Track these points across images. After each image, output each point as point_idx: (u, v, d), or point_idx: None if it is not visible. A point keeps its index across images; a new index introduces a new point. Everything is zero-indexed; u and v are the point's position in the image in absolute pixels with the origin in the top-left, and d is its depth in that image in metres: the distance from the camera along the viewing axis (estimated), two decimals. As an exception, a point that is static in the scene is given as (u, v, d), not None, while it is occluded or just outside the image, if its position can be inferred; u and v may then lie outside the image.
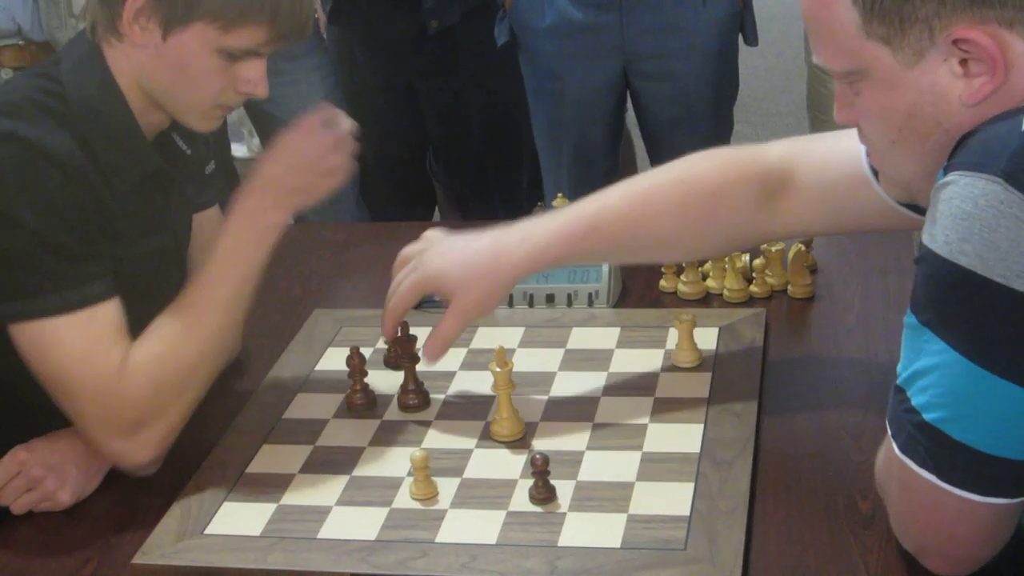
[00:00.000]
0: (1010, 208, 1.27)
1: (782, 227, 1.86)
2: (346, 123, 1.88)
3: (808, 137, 1.87)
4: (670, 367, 1.94)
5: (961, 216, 1.30)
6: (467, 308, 1.85)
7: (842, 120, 1.54)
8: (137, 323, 1.78)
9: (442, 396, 1.94)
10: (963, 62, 1.38)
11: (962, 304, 1.31)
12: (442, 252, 1.89)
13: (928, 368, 1.34)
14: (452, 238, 1.91)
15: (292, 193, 1.84)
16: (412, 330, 2.01)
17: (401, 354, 1.95)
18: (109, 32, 1.81)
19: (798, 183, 1.80)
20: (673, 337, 1.98)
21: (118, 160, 1.81)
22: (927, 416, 1.34)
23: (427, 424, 1.87)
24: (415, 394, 1.93)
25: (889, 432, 1.41)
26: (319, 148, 1.84)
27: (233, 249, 1.81)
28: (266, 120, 3.42)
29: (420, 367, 1.93)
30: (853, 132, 1.58)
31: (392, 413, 1.91)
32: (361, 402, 1.92)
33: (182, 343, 1.77)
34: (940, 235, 1.32)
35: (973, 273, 1.29)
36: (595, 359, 2.00)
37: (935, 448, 1.35)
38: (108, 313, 1.76)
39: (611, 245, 1.86)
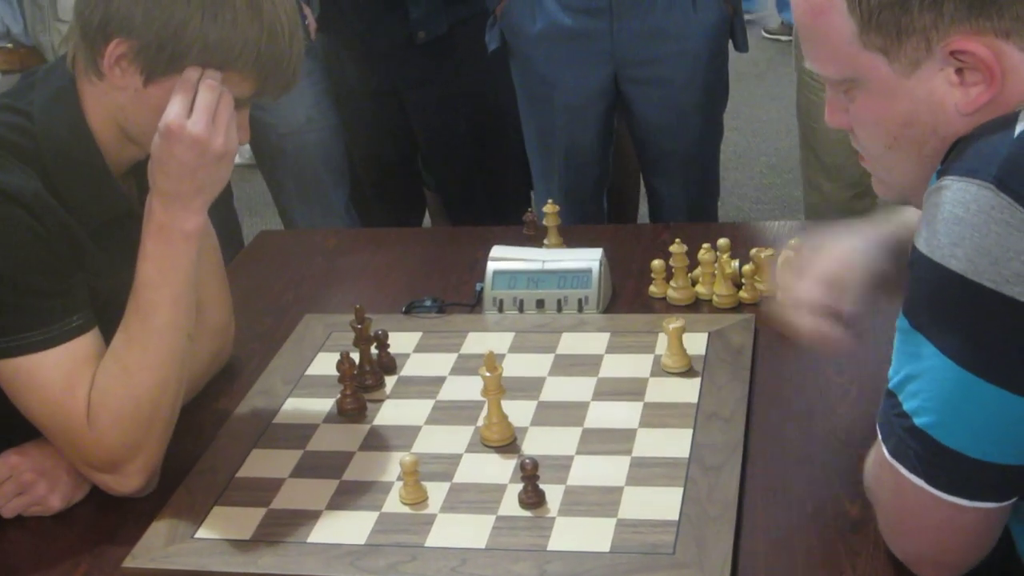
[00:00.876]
0: (1000, 214, 1.28)
1: None
2: (207, 94, 1.72)
3: None
4: (659, 372, 1.95)
5: (953, 221, 1.31)
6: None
7: (833, 124, 1.54)
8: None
9: (431, 400, 1.94)
10: (959, 71, 1.38)
11: (952, 308, 1.32)
12: (842, 254, 1.79)
13: (919, 372, 1.35)
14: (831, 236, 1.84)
15: (194, 195, 1.74)
16: (395, 335, 2.05)
17: (359, 336, 1.99)
18: (89, 69, 1.77)
19: None
20: (662, 342, 1.98)
21: (86, 202, 1.79)
22: (917, 421, 1.35)
23: (417, 429, 1.87)
24: (371, 375, 1.98)
25: (879, 436, 1.41)
26: (195, 148, 1.70)
27: (157, 273, 1.74)
28: (257, 125, 3.42)
29: (408, 370, 1.96)
30: None
31: (382, 418, 1.91)
32: (351, 407, 1.93)
33: (136, 383, 1.73)
34: (932, 239, 1.32)
35: (963, 278, 1.29)
36: (585, 364, 2.00)
37: (924, 453, 1.35)
38: (87, 346, 1.75)
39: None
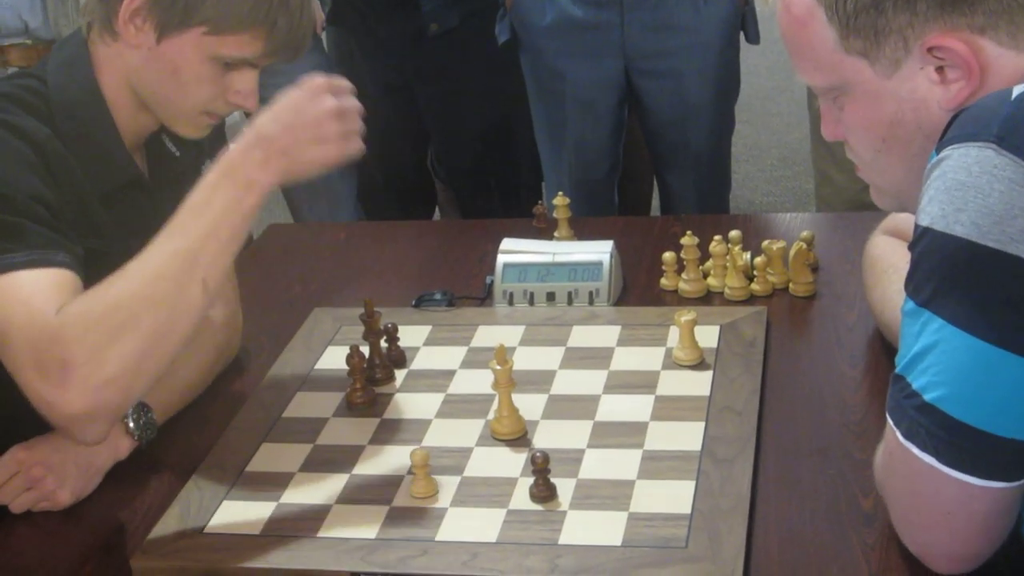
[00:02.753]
0: (1004, 172, 1.29)
1: None
2: (352, 100, 1.72)
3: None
4: (671, 365, 1.94)
5: (956, 187, 1.32)
6: None
7: (830, 136, 1.58)
8: None
9: (442, 394, 1.93)
10: (939, 69, 1.42)
11: (959, 275, 1.32)
12: None
13: (927, 348, 1.35)
14: None
15: (282, 153, 1.66)
16: (405, 328, 2.05)
17: (368, 330, 1.99)
18: (104, 30, 1.81)
19: None
20: (674, 335, 1.97)
21: (95, 165, 1.81)
22: (928, 397, 1.35)
23: (427, 422, 1.87)
24: (380, 368, 1.97)
25: (890, 422, 1.41)
26: (319, 110, 1.67)
27: (203, 200, 1.65)
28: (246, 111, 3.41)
29: (418, 363, 1.96)
30: None
31: (392, 412, 1.90)
32: (361, 400, 1.92)
33: (117, 280, 1.61)
34: (935, 209, 1.33)
35: (969, 242, 1.30)
36: (596, 357, 1.99)
37: (936, 430, 1.35)
38: (65, 278, 1.66)
39: None
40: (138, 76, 1.81)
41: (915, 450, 1.37)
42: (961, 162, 1.32)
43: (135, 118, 1.85)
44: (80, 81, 1.81)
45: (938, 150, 1.37)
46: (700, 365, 1.92)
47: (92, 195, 1.79)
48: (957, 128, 1.36)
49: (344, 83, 1.72)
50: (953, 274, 1.32)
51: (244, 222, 1.67)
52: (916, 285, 1.36)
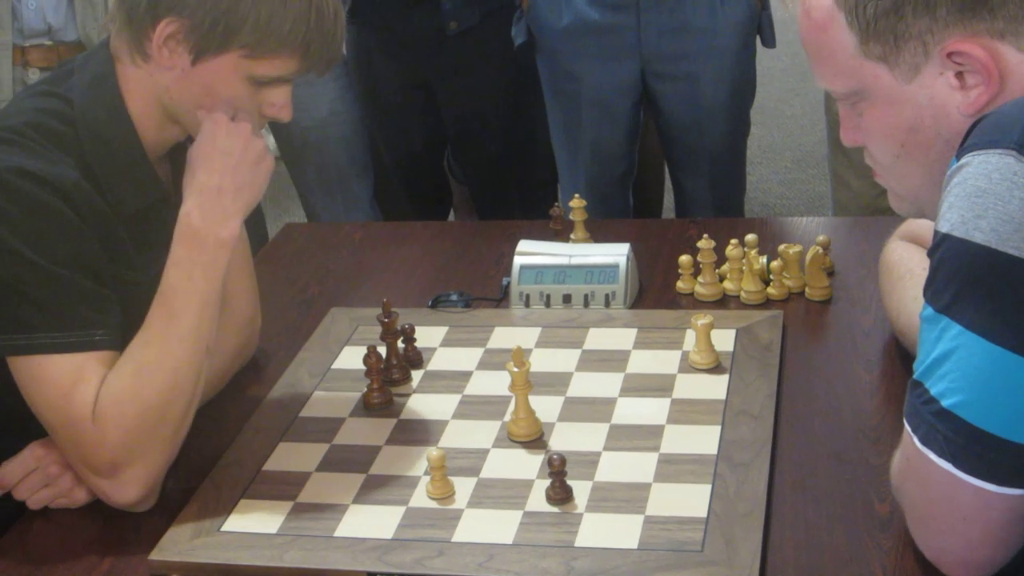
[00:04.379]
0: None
1: None
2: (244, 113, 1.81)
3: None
4: (687, 368, 1.94)
5: (976, 193, 1.32)
6: None
7: (849, 142, 1.58)
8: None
9: (458, 395, 1.94)
10: (959, 74, 1.43)
11: (978, 282, 1.32)
12: None
13: (946, 354, 1.35)
14: None
15: (236, 194, 1.76)
16: (421, 329, 2.05)
17: (385, 330, 1.99)
18: (134, 51, 1.80)
19: None
20: (690, 338, 1.97)
21: (122, 187, 1.80)
22: (945, 403, 1.35)
23: (444, 423, 1.87)
24: (397, 368, 1.98)
25: (908, 428, 1.41)
26: (240, 137, 1.77)
27: (187, 279, 1.73)
28: (279, 122, 3.41)
29: (435, 364, 1.97)
30: None
31: (409, 413, 1.91)
32: (378, 401, 1.92)
33: (148, 384, 1.70)
34: (955, 216, 1.34)
35: (988, 248, 1.30)
36: (612, 360, 1.99)
37: (953, 436, 1.35)
38: (102, 362, 1.71)
39: None
40: (169, 95, 1.81)
41: (932, 456, 1.37)
42: (981, 169, 1.33)
43: (162, 132, 1.85)
44: (107, 104, 1.80)
45: (958, 156, 1.37)
46: (716, 369, 1.92)
47: (118, 223, 1.79)
48: (978, 135, 1.37)
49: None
50: (972, 281, 1.32)
51: (223, 274, 1.77)
52: (935, 291, 1.37)
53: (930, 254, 1.38)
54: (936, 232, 1.37)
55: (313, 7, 1.76)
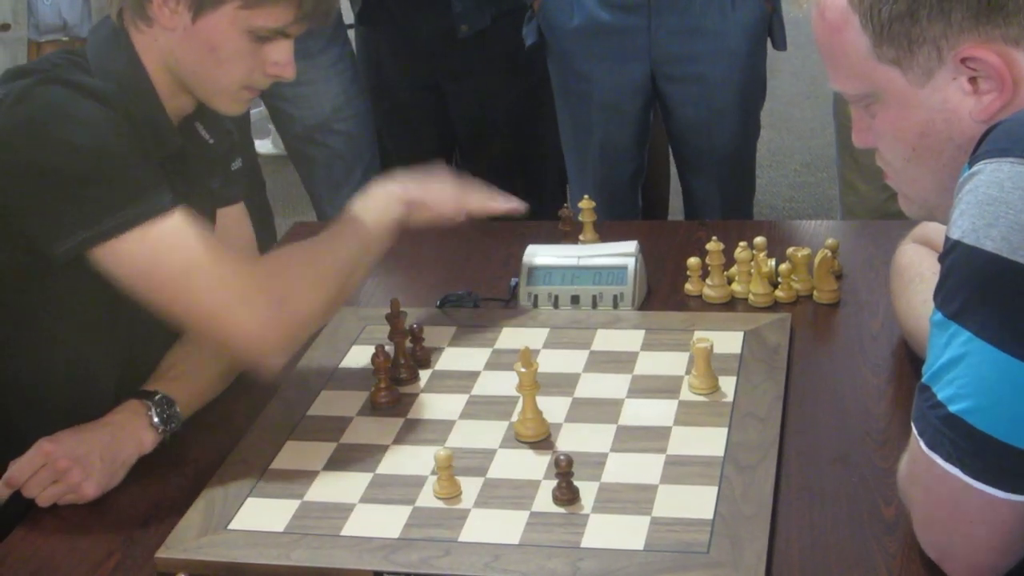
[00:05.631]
0: None
1: None
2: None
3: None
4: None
5: (987, 201, 1.32)
6: None
7: (860, 144, 1.58)
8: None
9: (466, 395, 1.94)
10: (972, 79, 1.42)
11: (988, 290, 1.32)
12: None
13: (954, 360, 1.35)
14: None
15: (412, 208, 2.02)
16: (430, 329, 2.06)
17: (393, 330, 2.00)
18: (137, 16, 1.83)
19: None
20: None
21: (143, 135, 1.82)
22: (953, 408, 1.35)
23: (451, 423, 1.87)
24: (405, 368, 1.98)
25: (915, 431, 1.41)
26: (449, 203, 2.07)
27: (359, 216, 1.93)
28: (283, 119, 3.43)
29: (442, 364, 1.98)
30: None
31: (416, 412, 1.91)
32: (385, 401, 1.93)
33: (310, 250, 1.87)
34: (966, 223, 1.33)
35: (999, 257, 1.30)
36: (620, 361, 2.00)
37: (960, 441, 1.35)
38: (188, 217, 1.78)
39: None
40: (175, 58, 1.84)
41: (939, 460, 1.37)
42: (993, 177, 1.33)
43: (172, 100, 1.88)
44: (124, 57, 1.84)
45: (971, 163, 1.37)
46: (716, 393, 1.88)
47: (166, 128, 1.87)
48: (991, 142, 1.37)
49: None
50: (982, 288, 1.32)
51: (383, 245, 1.98)
52: (945, 297, 1.37)
53: (941, 259, 1.38)
54: (947, 238, 1.37)
55: None
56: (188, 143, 1.91)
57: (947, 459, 1.37)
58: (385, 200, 1.99)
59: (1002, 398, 1.32)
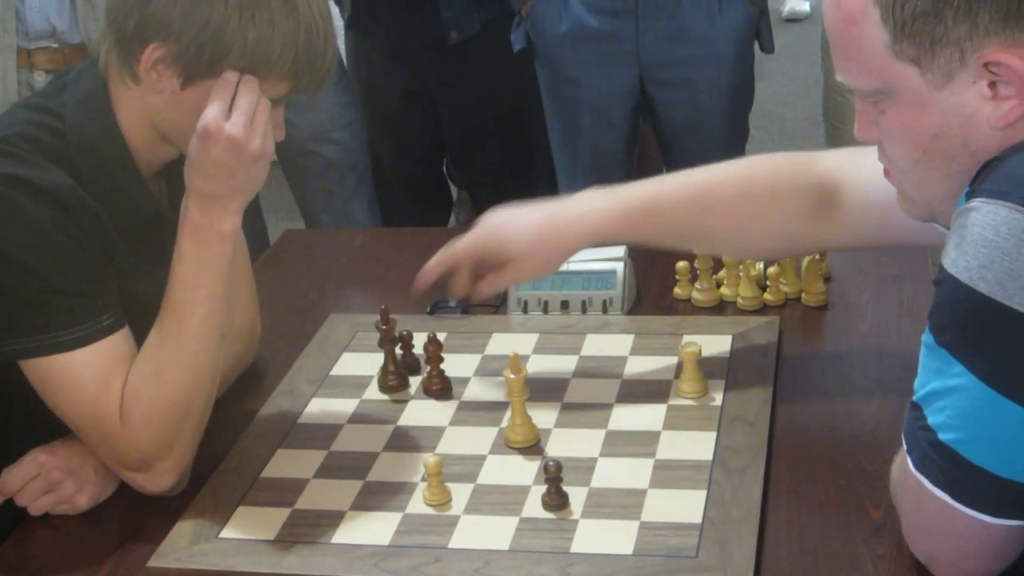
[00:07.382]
0: None
1: (830, 238, 1.87)
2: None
3: (857, 150, 1.79)
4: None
5: (983, 243, 1.29)
6: (523, 273, 1.93)
7: (863, 138, 1.52)
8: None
9: (455, 401, 1.95)
10: (992, 84, 1.36)
11: (981, 331, 1.31)
12: (505, 218, 1.93)
13: (946, 390, 1.34)
14: (513, 208, 1.94)
15: (231, 196, 1.74)
16: (419, 335, 2.04)
17: (383, 337, 2.00)
18: (124, 73, 1.77)
19: (847, 196, 1.80)
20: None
21: (115, 203, 1.79)
22: (943, 436, 1.34)
23: (441, 430, 1.88)
24: (394, 375, 1.99)
25: (904, 446, 1.41)
26: (233, 149, 1.70)
27: (193, 273, 1.74)
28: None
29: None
30: None
31: (407, 419, 1.92)
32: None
33: (169, 382, 1.74)
34: (961, 260, 1.31)
35: (993, 300, 1.28)
36: (609, 366, 2.00)
37: (950, 468, 1.35)
38: (118, 344, 1.75)
39: (666, 230, 1.90)
40: (160, 117, 1.78)
41: (927, 484, 1.37)
42: (989, 219, 1.30)
43: (154, 151, 1.83)
44: (99, 120, 1.79)
45: (968, 196, 1.35)
46: (706, 396, 1.88)
47: (114, 233, 1.79)
48: (991, 181, 1.33)
49: (226, 100, 1.72)
50: (976, 329, 1.31)
51: (229, 265, 1.78)
52: (937, 324, 1.35)
53: (935, 283, 1.36)
54: (941, 267, 1.35)
55: (302, 30, 1.72)
56: (175, 185, 1.87)
57: (936, 484, 1.37)
58: (208, 217, 1.76)
59: (992, 433, 1.32)
